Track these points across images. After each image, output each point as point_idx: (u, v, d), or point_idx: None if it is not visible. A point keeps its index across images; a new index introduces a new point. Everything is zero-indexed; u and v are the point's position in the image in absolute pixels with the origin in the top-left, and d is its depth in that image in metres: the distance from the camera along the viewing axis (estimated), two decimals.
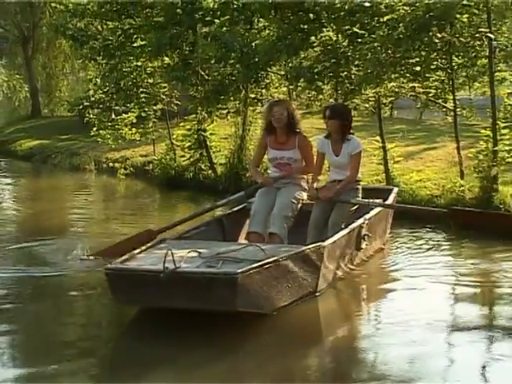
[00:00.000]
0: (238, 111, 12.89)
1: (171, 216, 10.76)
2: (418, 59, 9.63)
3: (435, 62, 9.80)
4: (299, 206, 7.25)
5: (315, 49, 10.71)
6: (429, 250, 8.15)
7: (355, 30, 9.95)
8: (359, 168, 7.39)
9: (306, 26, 10.37)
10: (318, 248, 6.36)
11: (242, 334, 5.59)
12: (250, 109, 12.68)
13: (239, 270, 5.45)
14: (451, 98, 10.34)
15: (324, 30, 10.38)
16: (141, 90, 14.30)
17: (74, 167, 17.02)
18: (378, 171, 10.79)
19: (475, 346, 5.45)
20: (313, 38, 10.41)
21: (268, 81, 12.21)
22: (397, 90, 10.65)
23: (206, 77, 12.29)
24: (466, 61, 9.96)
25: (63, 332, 5.93)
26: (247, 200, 7.70)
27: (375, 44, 9.59)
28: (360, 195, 7.43)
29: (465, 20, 9.35)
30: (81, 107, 17.12)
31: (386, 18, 9.55)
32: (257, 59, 10.81)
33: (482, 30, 9.36)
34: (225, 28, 11.32)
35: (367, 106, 11.38)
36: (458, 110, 10.38)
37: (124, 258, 5.99)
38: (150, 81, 14.28)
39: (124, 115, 15.18)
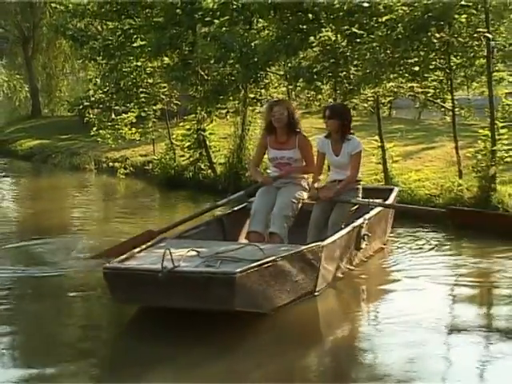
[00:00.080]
0: (238, 111, 12.90)
1: (171, 215, 10.81)
2: (416, 59, 9.65)
3: (434, 62, 9.82)
4: (299, 205, 7.25)
5: (314, 49, 10.73)
6: (428, 249, 8.16)
7: (354, 30, 9.98)
8: (359, 168, 7.40)
9: (305, 27, 10.42)
10: (316, 248, 6.36)
11: (241, 334, 5.60)
12: (250, 109, 12.69)
13: (237, 270, 5.46)
14: (450, 97, 10.36)
15: (323, 30, 10.42)
16: (140, 89, 14.31)
17: (74, 167, 17.05)
18: (377, 171, 10.81)
19: (475, 346, 5.45)
20: (312, 38, 10.45)
21: (267, 81, 12.23)
22: (395, 89, 10.67)
23: (206, 77, 12.32)
24: (465, 61, 9.96)
25: (63, 332, 5.94)
26: (247, 199, 7.71)
27: (374, 44, 9.62)
28: (360, 195, 7.44)
29: (463, 20, 9.37)
30: (81, 107, 17.16)
31: (384, 19, 9.58)
32: (256, 59, 10.85)
33: (480, 30, 9.37)
34: (224, 28, 11.37)
35: (366, 105, 11.41)
36: (456, 109, 10.40)
37: (123, 257, 6.00)
38: (150, 81, 14.29)
39: (124, 115, 15.19)
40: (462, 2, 9.18)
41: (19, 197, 13.98)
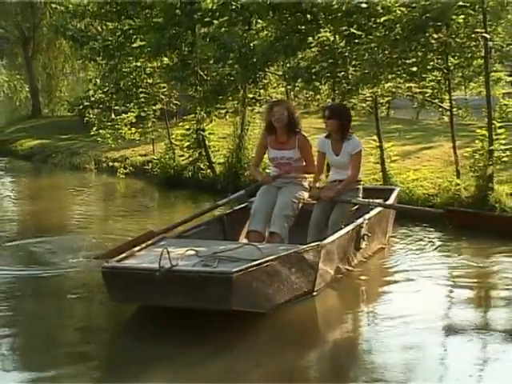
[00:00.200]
0: (237, 111, 12.92)
1: (170, 215, 10.85)
2: (414, 60, 9.66)
3: (431, 63, 9.83)
4: (300, 205, 7.28)
5: (313, 49, 10.74)
6: (427, 250, 8.17)
7: (352, 30, 9.99)
8: (360, 167, 7.42)
9: (303, 27, 10.44)
10: (315, 247, 6.37)
11: (240, 333, 5.61)
12: (249, 109, 12.72)
13: (234, 270, 5.47)
14: (447, 97, 10.37)
15: (321, 30, 10.43)
16: (140, 90, 14.32)
17: (74, 166, 17.06)
18: (375, 170, 10.84)
19: (474, 346, 5.45)
20: (310, 38, 10.46)
21: (266, 81, 12.23)
22: (393, 90, 10.67)
23: (205, 77, 12.35)
24: (462, 61, 9.98)
25: (62, 333, 5.94)
26: (248, 199, 7.72)
27: (372, 45, 9.62)
28: (360, 195, 7.46)
29: (461, 21, 9.37)
30: (81, 107, 17.15)
31: (382, 19, 9.58)
32: (255, 59, 10.89)
33: (478, 30, 9.39)
34: (223, 29, 11.39)
35: (364, 105, 11.40)
36: (454, 109, 10.41)
37: (122, 256, 6.02)
38: (150, 81, 14.31)
39: (124, 115, 15.20)
40: (460, 3, 9.18)
41: (19, 196, 13.99)
